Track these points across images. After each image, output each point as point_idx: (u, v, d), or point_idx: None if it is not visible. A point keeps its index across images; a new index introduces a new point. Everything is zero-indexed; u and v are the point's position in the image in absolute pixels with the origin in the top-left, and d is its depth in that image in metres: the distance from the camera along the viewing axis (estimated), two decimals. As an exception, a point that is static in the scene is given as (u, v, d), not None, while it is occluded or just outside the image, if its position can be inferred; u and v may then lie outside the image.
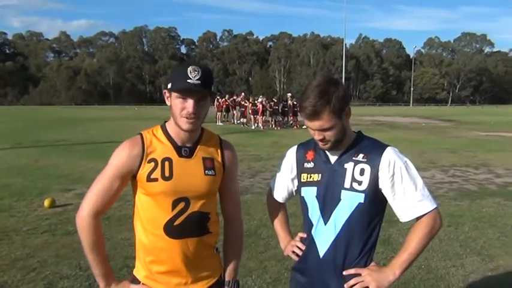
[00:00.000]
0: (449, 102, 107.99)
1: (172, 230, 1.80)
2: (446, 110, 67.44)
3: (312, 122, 1.80)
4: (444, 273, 4.45)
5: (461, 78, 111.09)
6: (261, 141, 17.50)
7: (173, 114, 1.80)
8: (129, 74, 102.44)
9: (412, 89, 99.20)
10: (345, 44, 71.05)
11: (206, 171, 1.86)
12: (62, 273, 4.29)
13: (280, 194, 2.16)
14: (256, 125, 25.13)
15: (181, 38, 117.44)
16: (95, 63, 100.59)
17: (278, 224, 2.23)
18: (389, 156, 1.84)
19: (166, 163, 1.80)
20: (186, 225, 1.82)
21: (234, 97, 29.99)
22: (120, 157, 1.80)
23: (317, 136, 1.84)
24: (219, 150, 1.94)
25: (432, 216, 1.83)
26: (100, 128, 23.10)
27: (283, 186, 2.12)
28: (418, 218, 1.84)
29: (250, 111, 25.63)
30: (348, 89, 2.12)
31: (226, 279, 2.01)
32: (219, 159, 1.93)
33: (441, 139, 19.01)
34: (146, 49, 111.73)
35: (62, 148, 14.50)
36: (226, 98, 29.74)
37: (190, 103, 1.74)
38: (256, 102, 25.56)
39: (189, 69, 1.73)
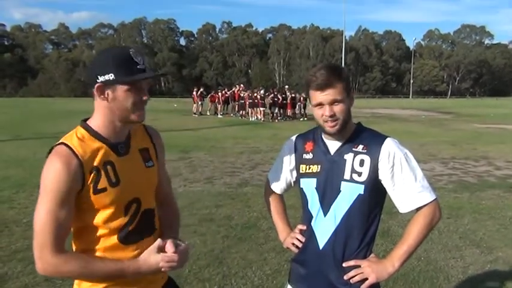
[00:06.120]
0: (449, 94, 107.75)
1: (127, 236, 1.63)
2: (446, 102, 67.37)
3: (324, 91, 1.77)
4: (443, 264, 4.47)
5: (461, 71, 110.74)
6: (261, 133, 17.49)
7: (121, 109, 1.57)
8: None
9: (411, 81, 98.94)
10: (345, 36, 70.87)
11: (146, 164, 1.71)
12: (62, 264, 4.29)
13: (278, 185, 2.14)
14: (255, 117, 25.10)
15: (180, 30, 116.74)
16: (94, 55, 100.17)
17: (276, 216, 2.21)
18: (389, 147, 1.84)
19: (109, 168, 1.58)
20: (140, 227, 1.67)
21: (234, 89, 29.93)
22: (58, 179, 1.49)
23: (328, 112, 1.78)
24: (147, 138, 1.78)
25: (431, 208, 1.83)
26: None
27: (281, 177, 2.11)
28: (417, 210, 1.85)
29: (248, 103, 25.59)
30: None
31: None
32: (151, 147, 1.77)
33: (441, 131, 19.02)
34: (145, 41, 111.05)
35: (61, 140, 14.45)
36: (225, 90, 29.76)
37: (145, 92, 1.59)
38: (255, 94, 25.49)
39: (132, 53, 1.56)
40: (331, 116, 1.79)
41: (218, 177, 8.66)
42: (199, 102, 27.10)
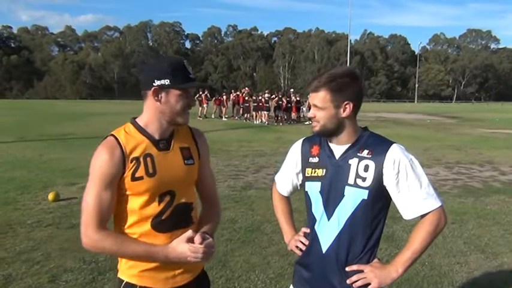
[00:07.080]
0: (454, 99, 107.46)
1: (160, 224, 1.79)
2: (451, 106, 67.16)
3: (312, 94, 1.88)
4: (448, 270, 4.44)
5: (467, 75, 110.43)
6: (265, 136, 17.49)
7: (171, 111, 1.78)
8: (133, 68, 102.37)
9: (417, 85, 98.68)
10: (350, 40, 70.73)
11: (186, 161, 1.88)
12: (66, 266, 4.31)
13: (285, 187, 2.17)
14: (260, 120, 25.10)
15: (185, 33, 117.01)
16: (99, 57, 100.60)
17: (282, 218, 2.23)
18: (395, 153, 1.83)
19: (148, 159, 1.78)
20: (173, 218, 1.82)
21: (238, 93, 29.96)
22: (103, 165, 1.73)
23: (309, 113, 1.93)
24: (192, 139, 1.96)
25: (437, 215, 1.82)
26: (105, 122, 23.11)
27: (288, 180, 2.13)
28: (422, 216, 1.84)
29: (252, 107, 25.55)
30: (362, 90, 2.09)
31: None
32: (194, 147, 1.94)
33: (446, 136, 18.95)
34: (151, 44, 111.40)
35: (66, 142, 14.55)
36: (232, 93, 29.86)
37: (192, 98, 1.82)
38: (260, 97, 25.49)
39: (185, 64, 1.80)
40: (311, 117, 1.91)
41: (222, 180, 8.65)
42: (204, 105, 27.11)
